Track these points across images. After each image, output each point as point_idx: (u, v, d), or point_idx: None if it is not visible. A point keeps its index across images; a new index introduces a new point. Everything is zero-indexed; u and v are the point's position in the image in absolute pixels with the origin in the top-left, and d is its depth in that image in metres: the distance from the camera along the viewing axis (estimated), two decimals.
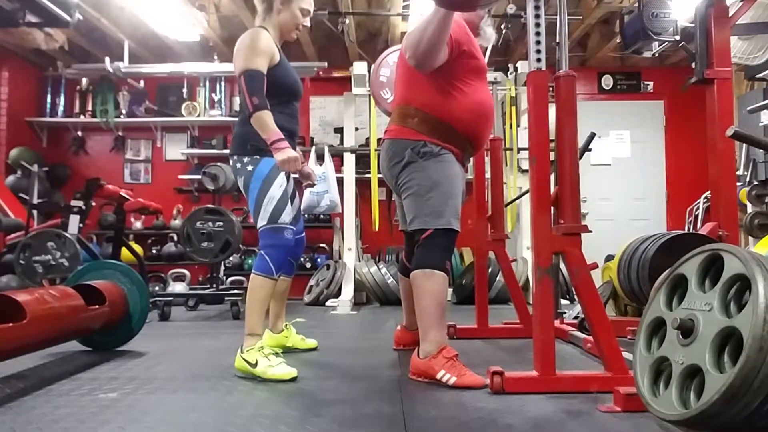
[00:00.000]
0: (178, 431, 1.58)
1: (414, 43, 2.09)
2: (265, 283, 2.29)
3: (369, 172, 5.16)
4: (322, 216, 5.67)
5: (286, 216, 2.32)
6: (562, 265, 3.41)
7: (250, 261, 5.75)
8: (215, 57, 5.76)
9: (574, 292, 2.73)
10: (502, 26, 4.79)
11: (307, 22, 2.50)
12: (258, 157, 2.31)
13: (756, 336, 1.18)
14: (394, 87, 2.67)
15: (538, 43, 1.98)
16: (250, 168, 2.32)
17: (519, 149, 5.30)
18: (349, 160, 5.26)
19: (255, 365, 2.15)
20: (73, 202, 4.14)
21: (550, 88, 1.98)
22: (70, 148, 6.13)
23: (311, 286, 5.30)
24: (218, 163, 4.60)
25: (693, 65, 3.09)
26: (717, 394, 1.21)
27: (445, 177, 2.19)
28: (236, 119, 6.09)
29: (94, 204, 4.46)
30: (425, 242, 2.14)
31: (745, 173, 5.05)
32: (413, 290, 2.17)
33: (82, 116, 6.04)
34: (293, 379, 2.11)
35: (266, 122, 2.20)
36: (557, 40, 2.06)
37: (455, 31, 2.14)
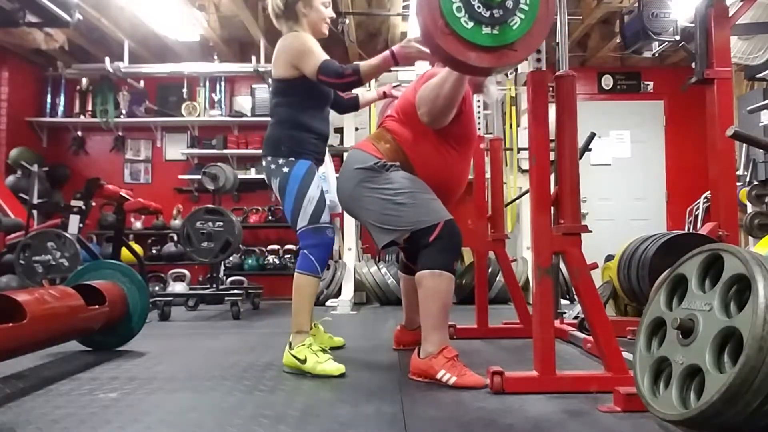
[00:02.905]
0: (178, 431, 1.58)
1: (431, 99, 2.10)
2: (310, 282, 2.32)
3: None
4: None
5: (326, 215, 2.35)
6: (562, 265, 3.42)
7: (250, 261, 5.74)
8: (215, 57, 5.76)
9: (574, 292, 2.72)
10: None
11: (331, 12, 2.49)
12: (293, 159, 2.32)
13: (756, 336, 1.18)
14: (386, 109, 2.70)
15: None
16: (285, 170, 2.31)
17: (519, 149, 5.30)
18: None
19: (304, 361, 2.19)
20: (73, 202, 4.14)
21: (550, 88, 1.99)
22: (70, 148, 6.12)
23: None
24: (218, 163, 4.61)
25: (693, 65, 3.09)
26: (717, 394, 1.21)
27: (412, 180, 2.22)
28: (236, 119, 6.11)
29: (94, 204, 4.46)
30: (433, 243, 2.11)
31: (745, 173, 5.06)
32: (419, 291, 2.15)
33: (82, 116, 6.03)
34: (342, 375, 2.15)
35: (371, 65, 2.15)
36: (557, 40, 2.06)
37: None
